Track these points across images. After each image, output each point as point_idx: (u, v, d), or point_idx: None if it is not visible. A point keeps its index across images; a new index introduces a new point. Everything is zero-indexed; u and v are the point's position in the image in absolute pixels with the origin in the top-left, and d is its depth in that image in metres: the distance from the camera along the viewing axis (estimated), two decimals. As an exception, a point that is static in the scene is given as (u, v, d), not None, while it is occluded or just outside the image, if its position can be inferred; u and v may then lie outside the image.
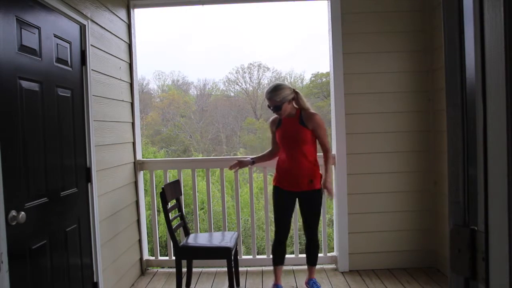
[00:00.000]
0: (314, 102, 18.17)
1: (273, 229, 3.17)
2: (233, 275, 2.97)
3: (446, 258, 3.30)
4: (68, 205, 2.39)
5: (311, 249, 3.15)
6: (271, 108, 2.96)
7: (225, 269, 3.14)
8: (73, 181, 2.45)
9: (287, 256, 3.71)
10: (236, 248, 3.12)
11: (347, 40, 3.50)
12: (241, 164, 3.29)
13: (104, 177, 2.89)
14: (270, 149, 3.28)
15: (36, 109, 2.07)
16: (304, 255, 3.75)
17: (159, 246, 3.97)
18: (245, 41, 26.97)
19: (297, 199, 3.05)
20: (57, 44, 2.30)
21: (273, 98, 2.90)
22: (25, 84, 1.97)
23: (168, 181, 3.48)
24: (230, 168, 3.29)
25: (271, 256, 3.69)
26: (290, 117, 2.99)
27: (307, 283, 3.22)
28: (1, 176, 1.70)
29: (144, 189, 3.84)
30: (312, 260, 3.19)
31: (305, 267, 3.24)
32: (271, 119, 3.19)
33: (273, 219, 3.18)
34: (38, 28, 2.10)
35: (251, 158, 3.30)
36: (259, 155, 3.32)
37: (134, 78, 3.61)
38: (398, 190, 3.56)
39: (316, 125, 2.94)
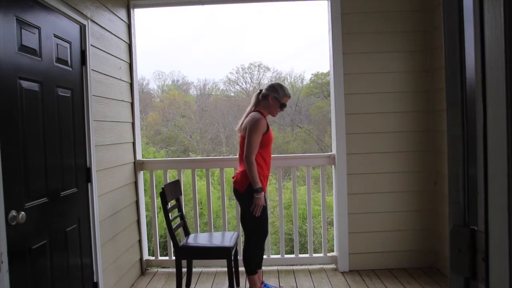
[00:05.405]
0: (314, 102, 18.16)
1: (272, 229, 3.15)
2: (233, 275, 2.97)
3: (446, 258, 3.30)
4: (68, 205, 2.39)
5: None
6: (285, 107, 2.96)
7: (225, 269, 3.14)
8: (73, 181, 2.45)
9: (287, 256, 3.73)
10: (236, 248, 3.12)
11: (347, 40, 3.50)
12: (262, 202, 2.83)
13: (104, 177, 2.89)
14: (251, 156, 2.75)
15: (36, 109, 2.07)
16: (304, 255, 3.77)
17: (159, 246, 3.96)
18: (245, 41, 26.95)
19: None
20: (57, 44, 2.30)
21: None
22: (25, 84, 1.97)
23: (168, 181, 3.48)
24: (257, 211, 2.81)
25: (271, 256, 3.72)
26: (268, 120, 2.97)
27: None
28: (1, 176, 1.70)
29: (144, 189, 3.84)
30: None
31: (306, 267, 3.24)
32: (261, 119, 2.82)
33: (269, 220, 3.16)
34: (38, 28, 2.10)
35: (261, 190, 2.78)
36: (257, 180, 2.75)
37: (134, 78, 3.61)
38: (398, 190, 3.56)
39: None
